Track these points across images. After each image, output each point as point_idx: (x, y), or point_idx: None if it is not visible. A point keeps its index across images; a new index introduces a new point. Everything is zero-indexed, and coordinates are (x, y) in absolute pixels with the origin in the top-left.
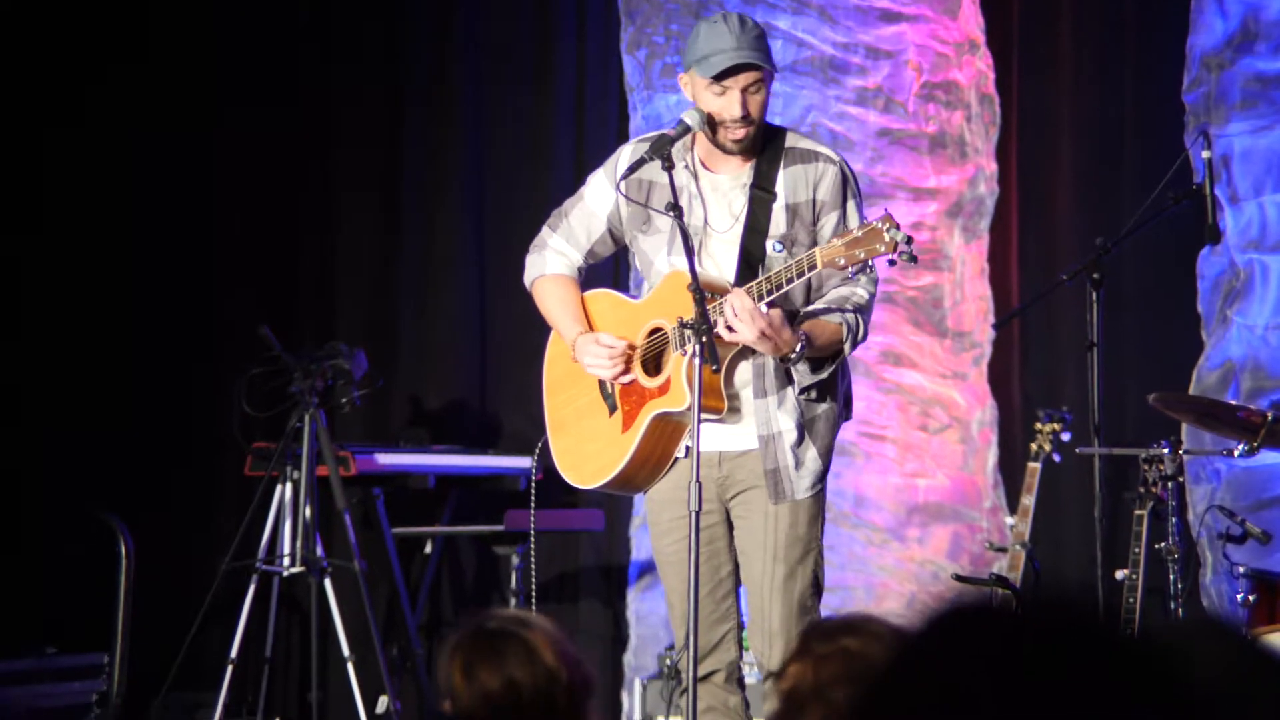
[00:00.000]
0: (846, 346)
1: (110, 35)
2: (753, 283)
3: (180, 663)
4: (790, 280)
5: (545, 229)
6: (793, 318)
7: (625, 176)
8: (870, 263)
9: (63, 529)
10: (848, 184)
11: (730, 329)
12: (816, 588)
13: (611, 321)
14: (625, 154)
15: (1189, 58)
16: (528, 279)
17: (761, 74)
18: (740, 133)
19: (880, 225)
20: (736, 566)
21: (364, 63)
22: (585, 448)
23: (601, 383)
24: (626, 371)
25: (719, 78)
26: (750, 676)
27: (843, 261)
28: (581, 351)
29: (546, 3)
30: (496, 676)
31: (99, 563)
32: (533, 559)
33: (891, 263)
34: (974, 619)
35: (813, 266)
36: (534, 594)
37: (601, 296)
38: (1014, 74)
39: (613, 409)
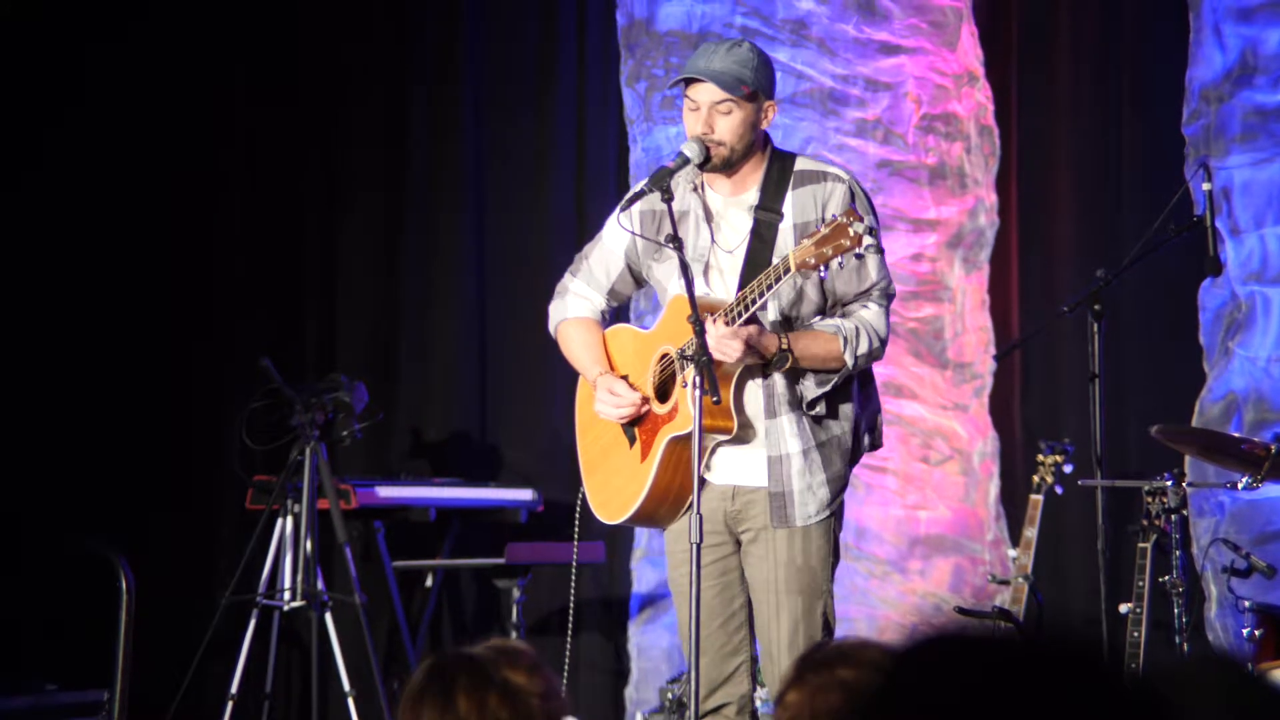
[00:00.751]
0: (846, 357)
1: (110, 51)
2: (725, 295)
3: (181, 698)
4: (769, 287)
5: (566, 275)
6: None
7: (624, 209)
8: (840, 260)
9: (62, 564)
10: (856, 199)
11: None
12: (827, 629)
13: (629, 355)
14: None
15: (1188, 90)
16: (551, 326)
17: (730, 96)
18: (710, 150)
19: (844, 220)
20: (749, 599)
21: (365, 97)
22: (611, 483)
23: None
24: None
25: (685, 86)
26: (765, 709)
27: (813, 260)
28: (597, 392)
29: (546, 36)
30: (416, 716)
31: (99, 598)
32: (571, 587)
33: (859, 256)
34: (968, 647)
35: (787, 270)
36: (570, 625)
37: (618, 332)
38: (1013, 106)
39: (632, 441)
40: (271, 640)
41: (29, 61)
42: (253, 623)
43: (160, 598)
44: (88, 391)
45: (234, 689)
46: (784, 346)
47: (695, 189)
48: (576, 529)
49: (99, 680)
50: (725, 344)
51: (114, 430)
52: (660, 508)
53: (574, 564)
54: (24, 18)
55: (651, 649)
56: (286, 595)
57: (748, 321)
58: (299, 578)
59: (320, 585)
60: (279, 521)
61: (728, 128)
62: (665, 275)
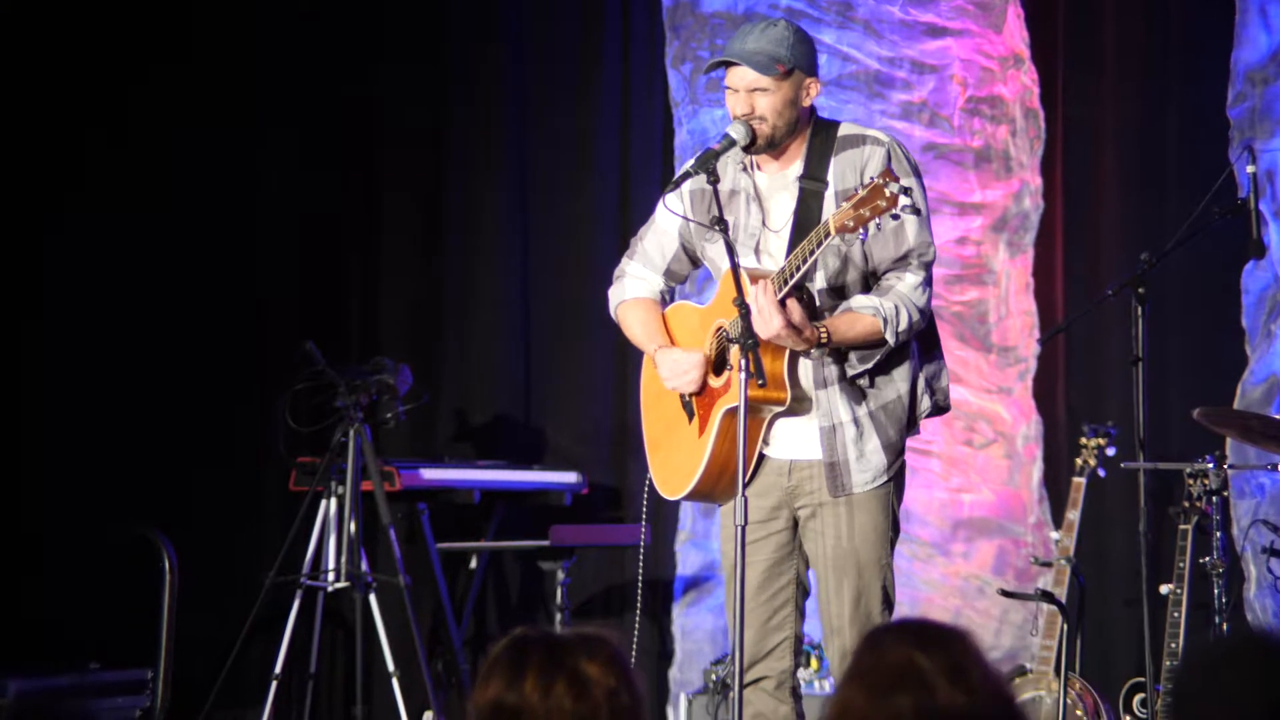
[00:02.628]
0: (887, 335)
1: (152, 41)
2: (777, 269)
3: (224, 678)
4: (811, 253)
5: (623, 259)
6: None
7: (670, 191)
8: (878, 222)
9: (106, 544)
10: (894, 160)
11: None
12: (887, 602)
13: (691, 330)
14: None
15: (1233, 73)
16: (611, 309)
17: (765, 77)
18: (755, 130)
19: (880, 181)
20: (798, 576)
21: (409, 77)
22: (673, 459)
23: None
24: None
25: (725, 70)
26: (806, 690)
27: (852, 223)
28: (660, 366)
29: (591, 18)
30: (486, 687)
31: (143, 578)
32: (639, 567)
33: (895, 217)
34: None
35: (827, 235)
36: (638, 604)
37: (678, 309)
38: (1058, 88)
39: (691, 415)
40: (316, 621)
41: (81, 64)
42: (297, 603)
43: (205, 578)
44: (133, 374)
45: (278, 669)
46: (822, 340)
47: (745, 169)
48: (645, 510)
49: (143, 660)
50: (764, 316)
51: (159, 412)
52: (719, 483)
53: (641, 544)
54: (78, 29)
55: (695, 631)
56: (330, 576)
57: (794, 290)
58: (343, 559)
59: (364, 566)
60: (323, 503)
61: (767, 106)
62: (719, 255)
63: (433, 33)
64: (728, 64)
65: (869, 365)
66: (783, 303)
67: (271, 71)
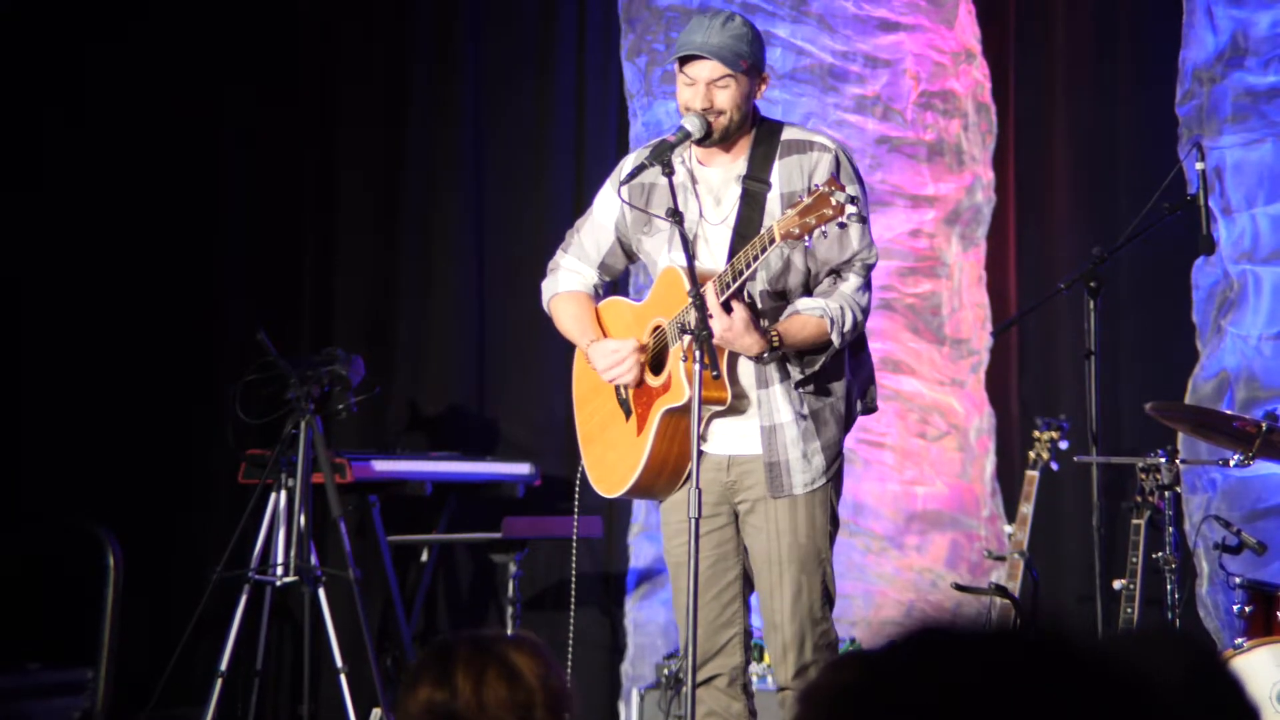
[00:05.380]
0: (833, 337)
1: (106, 31)
2: (718, 272)
3: (169, 675)
4: (755, 258)
5: (559, 251)
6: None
7: (626, 181)
8: (823, 230)
9: (47, 539)
10: (841, 169)
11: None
12: (827, 598)
13: (624, 326)
14: (629, 162)
15: (1181, 71)
16: (544, 302)
17: (728, 70)
18: (711, 123)
19: (825, 190)
20: (745, 571)
21: (365, 70)
22: (609, 456)
23: (617, 389)
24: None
25: (682, 64)
26: (759, 684)
27: (798, 231)
28: (594, 359)
29: (547, 10)
30: (414, 693)
31: (85, 574)
32: (572, 561)
33: (842, 225)
34: (939, 640)
35: (772, 241)
36: (572, 599)
37: (611, 304)
38: (1010, 84)
39: (628, 414)
40: (263, 616)
41: (33, 56)
42: (244, 598)
43: (151, 574)
44: (79, 365)
45: (223, 666)
46: (774, 344)
47: (683, 161)
48: (577, 503)
49: (85, 658)
50: (732, 334)
51: (106, 403)
52: (658, 480)
53: (574, 538)
54: (28, 15)
55: (648, 624)
56: (279, 570)
57: (737, 292)
58: (292, 553)
59: (313, 560)
60: (272, 496)
61: (728, 100)
62: (655, 248)
63: (392, 13)
64: (690, 56)
65: (814, 369)
66: (726, 306)
67: (228, 53)
